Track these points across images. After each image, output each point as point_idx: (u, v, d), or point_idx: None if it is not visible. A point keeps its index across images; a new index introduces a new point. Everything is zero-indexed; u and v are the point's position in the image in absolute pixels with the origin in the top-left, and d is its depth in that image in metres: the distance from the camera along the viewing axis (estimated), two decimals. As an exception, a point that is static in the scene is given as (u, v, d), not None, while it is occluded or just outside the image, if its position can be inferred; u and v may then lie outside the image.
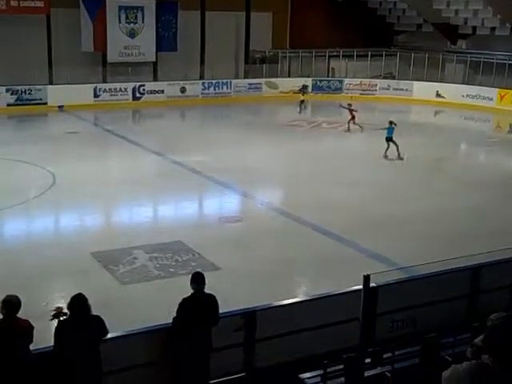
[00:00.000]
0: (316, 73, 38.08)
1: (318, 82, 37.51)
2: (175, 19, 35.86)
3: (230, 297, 10.26)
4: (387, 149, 21.23)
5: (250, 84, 36.69)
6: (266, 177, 19.34)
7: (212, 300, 7.47)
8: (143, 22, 35.44)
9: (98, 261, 12.20)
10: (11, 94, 31.72)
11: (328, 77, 38.37)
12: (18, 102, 31.83)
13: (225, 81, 36.12)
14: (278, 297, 9.23)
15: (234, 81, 36.54)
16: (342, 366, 7.19)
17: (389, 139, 21.20)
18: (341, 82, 37.53)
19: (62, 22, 33.44)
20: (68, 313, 6.67)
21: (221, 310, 7.71)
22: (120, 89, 33.91)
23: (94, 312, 6.84)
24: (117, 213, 16.71)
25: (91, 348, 6.66)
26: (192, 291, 7.41)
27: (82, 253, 12.55)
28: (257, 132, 26.72)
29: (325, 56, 38.35)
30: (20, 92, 31.86)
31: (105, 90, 33.63)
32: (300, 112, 31.00)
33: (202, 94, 35.66)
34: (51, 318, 6.69)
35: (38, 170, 19.43)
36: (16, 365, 6.38)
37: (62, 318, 6.67)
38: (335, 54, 38.38)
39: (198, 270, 11.61)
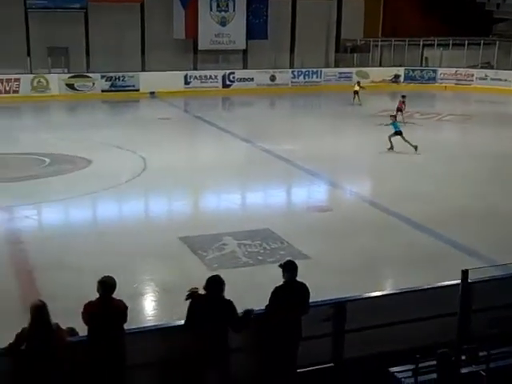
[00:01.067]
0: (409, 62, 37.21)
1: (411, 72, 36.67)
2: (266, 7, 35.87)
3: (319, 286, 10.08)
4: (405, 140, 20.00)
5: (341, 73, 36.27)
6: (355, 166, 19.04)
7: (303, 288, 7.34)
8: (234, 10, 35.61)
9: (186, 246, 12.28)
10: (106, 81, 32.59)
11: (421, 66, 37.42)
12: (112, 88, 32.68)
13: (315, 70, 35.86)
14: (368, 288, 9.00)
15: (324, 70, 36.23)
16: (434, 362, 6.92)
17: (399, 133, 20.13)
18: (435, 71, 36.54)
19: (155, 10, 34.06)
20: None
21: (310, 300, 7.57)
22: (210, 76, 34.24)
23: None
24: (205, 198, 16.82)
25: (219, 329, 6.68)
26: (284, 279, 7.29)
27: (171, 237, 12.65)
28: (346, 121, 26.36)
29: (418, 45, 37.43)
30: (114, 78, 32.69)
31: (195, 78, 34.05)
32: (353, 103, 30.23)
33: (292, 82, 35.53)
34: (186, 297, 6.79)
35: (130, 155, 19.84)
36: (111, 344, 6.47)
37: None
38: (430, 42, 37.36)
39: (288, 258, 11.72)
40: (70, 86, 32.11)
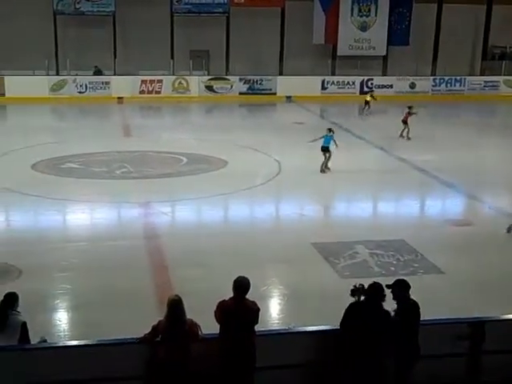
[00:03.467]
0: None
1: None
2: (409, 12, 35.07)
3: (454, 303, 9.69)
4: (327, 160, 18.15)
5: (486, 82, 34.79)
6: (495, 179, 18.10)
7: (386, 316, 6.78)
8: (376, 14, 35.12)
9: (318, 252, 12.15)
10: (244, 84, 33.10)
11: None
12: (250, 91, 33.16)
13: (458, 77, 34.63)
14: (507, 309, 8.48)
15: (468, 78, 34.90)
16: None
17: (325, 149, 18.16)
18: None
19: (295, 15, 34.18)
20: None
21: (445, 316, 7.24)
22: (348, 82, 33.95)
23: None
24: (338, 205, 16.63)
25: (371, 336, 6.59)
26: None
27: (302, 242, 12.57)
28: (489, 133, 25.22)
29: None
30: (252, 82, 33.16)
31: (332, 83, 33.88)
32: (361, 114, 28.99)
33: (433, 90, 34.55)
34: (350, 293, 6.81)
35: (265, 158, 20.00)
36: (242, 344, 6.48)
37: (359, 299, 6.76)
38: None
39: (420, 271, 11.32)
40: (209, 88, 32.94)
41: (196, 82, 32.84)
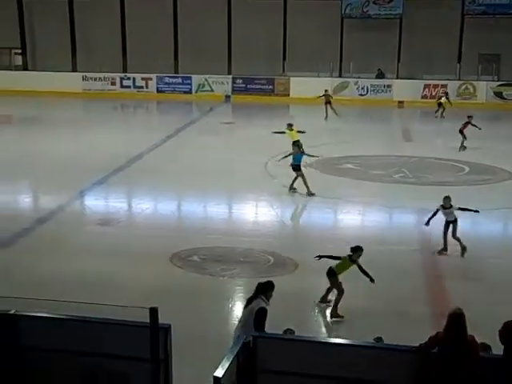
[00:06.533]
0: None
1: None
2: None
3: None
4: (303, 182, 15.47)
5: None
6: None
7: None
8: None
9: None
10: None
11: None
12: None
13: None
14: None
15: None
16: None
17: (296, 168, 15.40)
18: None
19: None
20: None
21: None
22: None
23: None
24: None
25: None
26: None
27: None
28: None
29: None
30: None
31: None
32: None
33: None
34: None
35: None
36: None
37: None
38: None
39: None
40: (498, 95, 30.98)
41: (484, 88, 31.12)
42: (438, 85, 31.55)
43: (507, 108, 30.45)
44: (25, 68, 36.79)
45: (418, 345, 6.05)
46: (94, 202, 15.61)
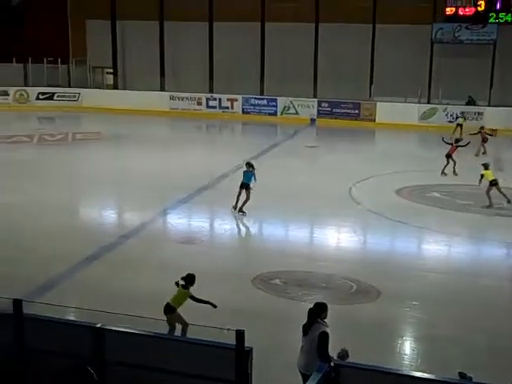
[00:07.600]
0: None
1: None
2: None
3: None
4: (243, 200, 15.51)
5: None
6: None
7: None
8: None
9: None
10: None
11: None
12: None
13: None
14: None
15: None
16: None
17: (245, 186, 15.35)
18: None
19: None
20: None
21: None
22: None
23: None
24: None
25: None
26: None
27: None
28: None
29: None
30: None
31: None
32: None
33: None
34: None
35: None
36: None
37: None
38: None
39: None
40: None
41: None
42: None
43: None
44: (115, 87, 37.86)
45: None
46: (178, 221, 15.77)
